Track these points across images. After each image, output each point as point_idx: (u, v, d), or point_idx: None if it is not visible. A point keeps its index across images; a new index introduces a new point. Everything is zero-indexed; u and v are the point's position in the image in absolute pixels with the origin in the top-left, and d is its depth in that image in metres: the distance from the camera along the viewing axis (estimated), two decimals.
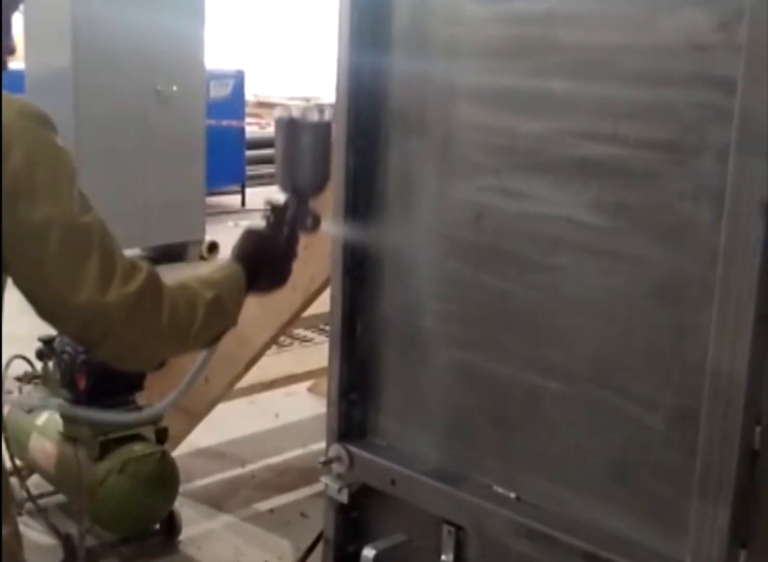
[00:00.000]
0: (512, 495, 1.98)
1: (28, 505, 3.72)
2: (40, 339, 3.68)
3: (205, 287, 1.73)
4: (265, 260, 1.89)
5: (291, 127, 1.94)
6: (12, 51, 1.70)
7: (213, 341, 1.82)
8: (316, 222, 1.99)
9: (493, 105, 1.94)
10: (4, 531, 1.62)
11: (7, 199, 1.46)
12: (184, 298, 1.68)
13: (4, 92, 1.52)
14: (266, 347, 3.71)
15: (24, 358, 3.76)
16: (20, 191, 1.47)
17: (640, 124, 1.71)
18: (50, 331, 3.66)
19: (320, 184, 1.98)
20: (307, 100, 12.54)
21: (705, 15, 1.60)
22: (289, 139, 1.94)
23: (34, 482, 3.82)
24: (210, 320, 1.72)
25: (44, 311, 1.57)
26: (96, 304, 1.53)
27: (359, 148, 2.15)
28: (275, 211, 1.95)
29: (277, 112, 1.96)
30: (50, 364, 3.77)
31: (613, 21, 1.73)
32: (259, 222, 1.96)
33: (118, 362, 1.66)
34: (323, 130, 1.96)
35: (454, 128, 2.00)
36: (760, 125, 1.50)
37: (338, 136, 2.17)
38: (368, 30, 2.10)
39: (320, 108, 1.98)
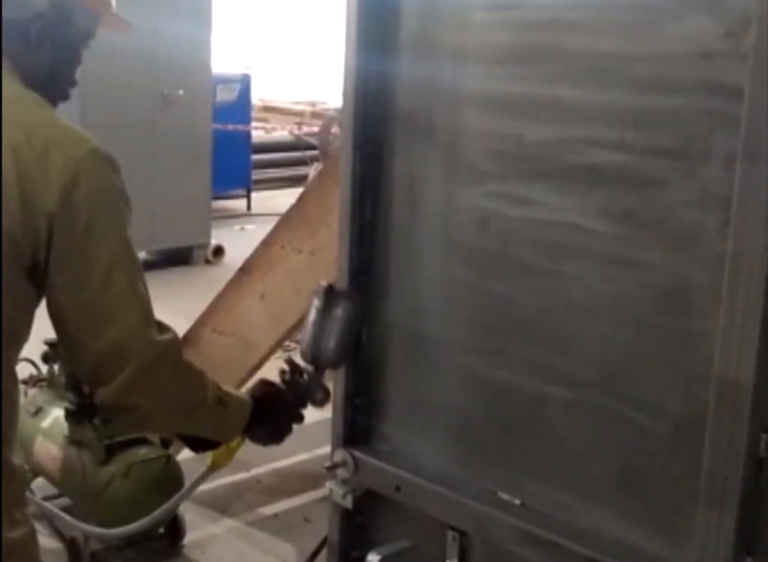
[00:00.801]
0: (517, 501, 1.97)
1: (33, 508, 3.72)
2: (46, 342, 3.68)
3: (217, 387, 1.78)
4: (271, 411, 1.93)
5: (330, 295, 1.99)
6: (75, 84, 1.80)
7: (200, 442, 1.86)
8: (325, 398, 2.04)
9: (499, 111, 1.94)
10: (22, 531, 1.64)
11: (67, 228, 1.53)
12: (199, 376, 1.73)
13: (74, 126, 1.62)
14: (271, 351, 3.72)
15: (30, 361, 3.77)
16: (79, 225, 1.53)
17: (646, 131, 1.71)
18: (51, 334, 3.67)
19: (340, 361, 2.05)
20: (313, 104, 12.56)
21: (712, 23, 1.60)
22: (326, 307, 1.99)
23: (39, 484, 3.83)
24: (212, 414, 1.76)
25: (69, 341, 1.61)
26: (124, 342, 1.57)
27: (365, 153, 2.15)
28: (292, 372, 2.00)
29: (317, 287, 2.02)
30: (56, 367, 3.78)
31: (620, 28, 1.73)
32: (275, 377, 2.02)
33: (114, 410, 1.67)
34: (360, 307, 2.02)
35: (461, 134, 2.01)
36: (766, 133, 1.50)
37: (344, 142, 2.17)
38: (375, 35, 2.11)
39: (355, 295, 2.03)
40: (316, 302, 1.99)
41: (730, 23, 1.58)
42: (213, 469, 2.38)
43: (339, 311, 1.98)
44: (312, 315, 2.00)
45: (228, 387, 1.86)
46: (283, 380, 2.00)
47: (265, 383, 1.98)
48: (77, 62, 1.80)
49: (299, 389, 1.99)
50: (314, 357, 2.00)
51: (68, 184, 1.53)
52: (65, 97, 1.78)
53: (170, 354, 1.64)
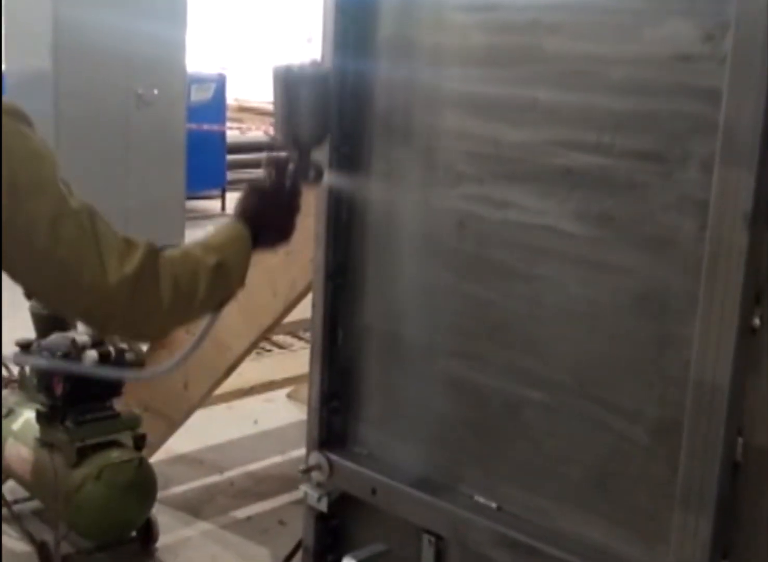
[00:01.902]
0: (493, 505, 1.97)
1: (3, 511, 3.68)
2: (18, 343, 3.64)
3: (208, 252, 1.71)
4: (268, 216, 1.85)
5: (289, 78, 1.90)
6: None
7: (220, 305, 1.80)
8: (319, 174, 1.95)
9: (477, 113, 1.93)
10: None
11: None
12: (185, 269, 1.67)
13: None
14: (246, 353, 3.69)
15: (0, 362, 3.73)
16: (3, 190, 1.46)
17: (624, 134, 1.71)
18: (28, 335, 3.64)
19: (321, 135, 1.94)
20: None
21: (690, 26, 1.60)
22: (288, 90, 1.90)
23: (9, 487, 3.79)
24: (214, 287, 1.70)
25: (46, 300, 1.61)
26: (96, 288, 1.53)
27: (343, 154, 2.14)
28: (277, 165, 1.90)
29: (274, 67, 1.92)
30: (27, 368, 3.74)
31: (599, 31, 1.73)
32: (260, 178, 1.92)
33: (130, 338, 1.69)
34: (322, 80, 1.92)
35: (438, 136, 2.00)
36: (744, 137, 1.50)
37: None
38: (353, 36, 2.10)
39: (317, 61, 1.93)
40: (277, 89, 1.90)
41: (709, 27, 1.58)
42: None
43: (304, 90, 1.89)
44: (279, 101, 1.90)
45: (218, 232, 1.79)
46: (269, 177, 1.91)
47: (251, 191, 1.89)
48: None
49: (289, 176, 1.90)
50: (294, 139, 1.91)
51: None
52: None
53: (146, 275, 1.58)
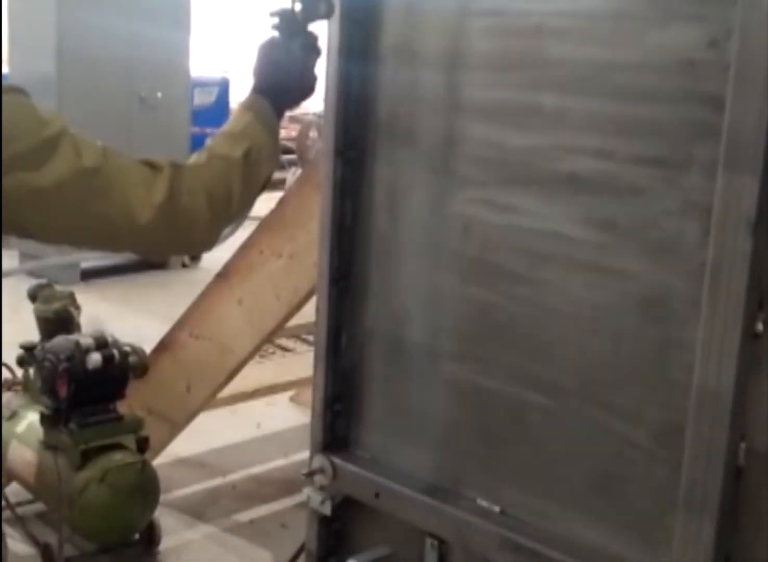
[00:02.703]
0: (496, 509, 1.97)
1: (6, 513, 3.68)
2: (22, 346, 3.65)
3: (234, 144, 1.68)
4: (288, 71, 1.79)
5: None
6: None
7: (262, 189, 1.77)
8: (330, 6, 1.85)
9: (481, 118, 1.94)
10: None
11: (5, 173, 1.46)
12: (215, 173, 1.65)
13: None
14: (249, 357, 3.70)
15: (4, 365, 3.74)
16: (12, 164, 1.46)
17: (628, 139, 1.71)
18: (32, 338, 3.65)
19: None
20: (273, 11, 12.51)
21: (694, 32, 1.61)
22: None
23: (13, 490, 3.79)
24: (248, 179, 1.69)
25: (93, 249, 1.67)
26: (134, 230, 1.55)
27: (347, 159, 2.15)
28: (283, 15, 1.82)
29: None
30: (31, 371, 3.75)
31: (603, 37, 1.73)
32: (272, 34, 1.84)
33: (182, 254, 1.70)
34: None
35: (443, 141, 2.00)
36: (747, 142, 1.51)
37: (326, 146, 2.17)
38: (358, 41, 2.10)
39: None
40: None
41: (713, 32, 1.59)
42: None
43: None
44: None
45: (239, 114, 1.75)
46: (280, 30, 1.82)
47: (264, 50, 1.82)
48: None
49: (300, 19, 1.81)
50: None
51: None
52: None
53: (177, 195, 1.58)
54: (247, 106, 1.76)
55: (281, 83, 1.78)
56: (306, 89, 1.83)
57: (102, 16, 6.96)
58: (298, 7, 1.81)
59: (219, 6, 15.64)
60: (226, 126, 1.74)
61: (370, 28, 2.09)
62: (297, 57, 1.81)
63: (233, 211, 1.70)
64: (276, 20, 1.81)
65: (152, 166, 1.59)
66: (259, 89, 1.77)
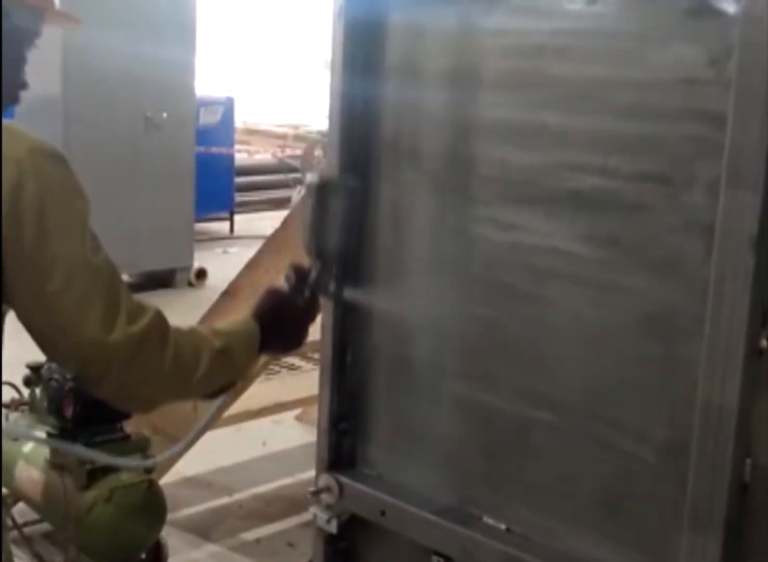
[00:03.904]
0: (502, 526, 1.97)
1: (13, 533, 3.68)
2: (28, 366, 3.66)
3: (215, 336, 1.72)
4: (282, 321, 1.87)
5: (323, 189, 1.93)
6: (25, 86, 1.71)
7: (217, 392, 1.80)
8: (336, 298, 1.99)
9: (485, 136, 1.95)
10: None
11: (17, 232, 1.48)
12: (190, 343, 1.67)
13: (17, 128, 1.55)
14: (255, 375, 3.70)
15: (11, 384, 3.74)
16: (30, 227, 1.48)
17: (630, 157, 1.72)
18: (38, 357, 3.65)
19: (347, 249, 1.98)
20: (296, 127, 12.59)
21: (695, 50, 1.62)
22: (321, 201, 1.92)
23: (19, 509, 3.79)
24: (215, 370, 1.70)
25: (47, 345, 1.58)
26: (99, 342, 1.53)
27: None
28: (298, 273, 1.93)
29: (309, 177, 1.95)
30: (37, 391, 3.75)
31: (605, 55, 1.75)
32: (281, 283, 1.95)
33: (117, 402, 1.65)
34: (356, 195, 1.95)
35: (447, 159, 2.02)
36: (749, 159, 1.52)
37: (330, 166, 2.18)
38: (361, 60, 2.12)
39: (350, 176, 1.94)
40: (311, 201, 1.92)
41: (713, 51, 1.60)
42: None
43: (335, 204, 1.91)
44: (309, 214, 1.92)
45: (229, 323, 1.80)
46: (290, 285, 1.92)
47: (270, 293, 1.90)
48: (21, 62, 1.70)
49: (308, 286, 1.91)
50: (320, 250, 1.93)
51: (11, 189, 1.48)
52: (13, 99, 1.70)
53: (151, 338, 1.58)
54: (242, 321, 1.82)
55: (274, 328, 1.84)
56: (290, 344, 1.93)
57: (107, 37, 7.00)
58: (313, 276, 1.92)
59: (224, 25, 15.72)
60: (217, 325, 1.80)
61: (375, 47, 2.10)
62: (295, 314, 1.90)
63: (188, 387, 1.70)
64: (291, 273, 1.92)
65: (141, 305, 1.61)
66: (256, 318, 1.83)
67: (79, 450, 2.78)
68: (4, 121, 1.57)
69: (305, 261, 1.95)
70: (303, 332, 1.93)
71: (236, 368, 1.77)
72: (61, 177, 1.56)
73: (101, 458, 2.67)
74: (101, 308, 1.53)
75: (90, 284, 1.53)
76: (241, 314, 1.85)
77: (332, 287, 1.97)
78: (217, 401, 1.95)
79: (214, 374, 1.71)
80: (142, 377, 1.60)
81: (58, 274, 1.50)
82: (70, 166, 1.59)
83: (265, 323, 1.81)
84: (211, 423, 1.94)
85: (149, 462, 2.99)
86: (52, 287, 1.50)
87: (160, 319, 1.62)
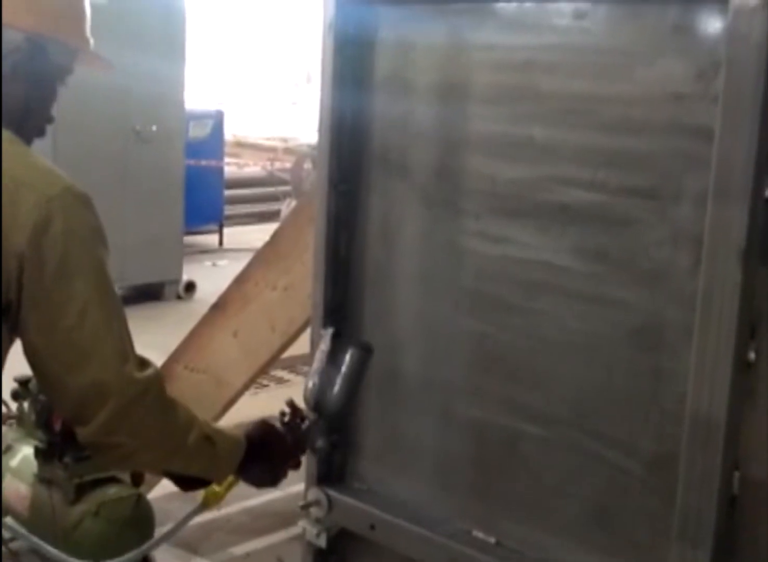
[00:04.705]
0: (492, 540, 1.97)
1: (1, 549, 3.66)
2: (16, 380, 3.64)
3: (206, 424, 1.73)
4: (267, 453, 1.87)
5: (335, 342, 1.94)
6: (51, 120, 1.75)
7: (187, 480, 1.80)
8: (327, 446, 1.97)
9: (474, 150, 1.96)
10: None
11: (40, 267, 1.50)
12: (184, 413, 1.68)
13: (54, 167, 1.59)
14: (244, 388, 3.69)
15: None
16: (52, 263, 1.51)
17: (619, 171, 1.73)
18: (26, 371, 3.64)
19: (344, 411, 1.97)
20: (285, 140, 12.60)
21: (682, 66, 1.63)
22: (330, 355, 1.93)
23: (6, 524, 3.76)
24: (198, 452, 1.70)
25: (47, 380, 1.59)
26: (102, 381, 1.54)
27: (341, 190, 2.16)
28: (293, 414, 1.94)
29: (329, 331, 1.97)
30: (25, 405, 3.73)
31: (593, 70, 1.76)
32: (275, 417, 1.95)
33: (96, 447, 1.63)
34: (368, 359, 1.94)
35: (436, 173, 2.02)
36: (736, 173, 1.53)
37: (320, 179, 2.18)
38: (351, 74, 2.13)
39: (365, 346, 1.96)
40: (323, 347, 1.95)
41: (700, 66, 1.61)
42: (203, 508, 2.30)
43: (346, 359, 1.92)
44: (318, 361, 1.95)
45: (222, 427, 1.82)
46: (282, 422, 1.94)
47: (263, 424, 1.92)
48: (52, 98, 1.76)
49: (299, 434, 1.93)
50: (317, 404, 1.95)
51: (39, 224, 1.51)
52: (40, 133, 1.75)
53: (151, 391, 1.61)
54: (232, 433, 1.82)
55: (258, 456, 1.84)
56: (266, 480, 1.91)
57: (97, 50, 7.00)
58: (306, 427, 1.92)
59: (213, 39, 15.74)
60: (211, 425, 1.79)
61: (364, 62, 2.11)
62: (280, 457, 1.90)
63: (170, 455, 1.70)
64: (288, 411, 1.93)
65: (144, 359, 1.62)
66: (247, 439, 1.83)
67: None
68: (42, 158, 1.62)
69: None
70: (283, 471, 1.94)
71: (214, 465, 1.77)
72: (89, 221, 1.60)
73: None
74: (110, 349, 1.56)
75: (101, 324, 1.55)
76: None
77: (319, 443, 1.96)
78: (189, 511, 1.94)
79: (196, 457, 1.72)
80: (130, 428, 1.60)
81: (73, 311, 1.53)
82: (96, 210, 1.62)
83: (252, 449, 1.83)
84: (180, 529, 1.96)
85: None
86: (65, 322, 1.52)
87: (161, 378, 1.64)
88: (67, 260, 1.53)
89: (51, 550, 2.52)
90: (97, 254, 1.59)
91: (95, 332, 1.54)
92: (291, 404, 1.95)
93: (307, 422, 1.93)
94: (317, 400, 1.94)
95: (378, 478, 2.19)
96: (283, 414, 1.94)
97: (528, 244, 1.87)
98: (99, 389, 1.54)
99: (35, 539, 2.50)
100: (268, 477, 1.90)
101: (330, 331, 1.96)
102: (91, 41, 1.78)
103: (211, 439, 1.71)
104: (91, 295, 1.55)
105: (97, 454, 1.69)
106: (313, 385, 1.94)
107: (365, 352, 1.92)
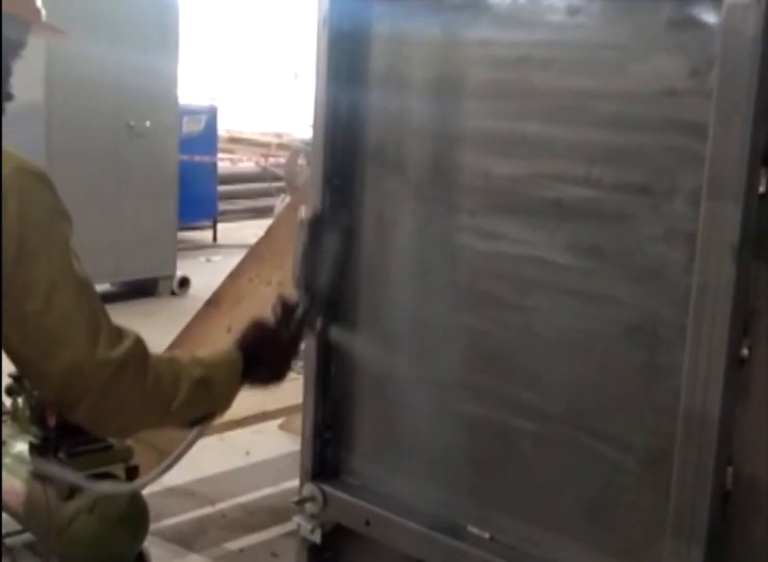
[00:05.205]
0: (486, 535, 1.97)
1: None
2: (10, 375, 3.63)
3: (196, 365, 1.71)
4: (265, 353, 1.86)
5: (316, 224, 1.93)
6: (10, 98, 1.69)
7: (197, 421, 1.79)
8: (325, 325, 1.99)
9: (468, 146, 1.96)
10: None
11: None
12: (169, 371, 1.66)
13: (5, 147, 1.52)
14: None
15: None
16: (9, 247, 1.46)
17: (613, 167, 1.73)
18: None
19: (336, 287, 1.98)
20: (279, 136, 12.59)
21: (676, 62, 1.63)
22: (313, 237, 1.93)
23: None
24: (193, 399, 1.69)
25: (25, 369, 1.57)
26: (77, 364, 1.52)
27: (335, 186, 2.16)
28: (285, 307, 1.93)
29: (303, 212, 1.96)
30: (20, 400, 3.73)
31: (587, 67, 1.76)
32: (268, 316, 1.94)
33: (93, 427, 1.63)
34: (347, 232, 1.96)
35: (430, 169, 2.02)
36: (730, 169, 1.53)
37: (314, 175, 2.18)
38: (345, 70, 2.12)
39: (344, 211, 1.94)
40: (303, 236, 1.92)
41: (694, 62, 1.61)
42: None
43: (327, 240, 1.91)
44: (300, 249, 1.93)
45: (211, 353, 1.79)
46: (276, 317, 1.92)
47: (253, 326, 1.89)
48: (7, 74, 1.68)
49: (293, 323, 1.91)
50: (309, 286, 1.93)
51: None
52: (1, 113, 1.68)
53: (129, 365, 1.57)
54: (225, 350, 1.80)
55: (257, 360, 1.83)
56: (273, 377, 1.90)
57: (90, 45, 6.99)
58: (300, 311, 1.92)
59: (207, 34, 15.71)
60: (199, 352, 1.78)
61: (359, 57, 2.11)
62: (281, 351, 1.90)
63: (165, 415, 1.69)
64: (278, 306, 1.92)
65: (120, 330, 1.59)
66: (240, 348, 1.82)
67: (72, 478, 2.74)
68: None
69: (292, 293, 1.95)
70: (286, 365, 1.93)
71: (216, 398, 1.76)
72: (44, 199, 1.54)
73: (83, 483, 2.63)
74: (81, 331, 1.52)
75: (70, 306, 1.52)
76: (225, 342, 1.84)
77: (319, 324, 1.96)
78: (194, 431, 1.93)
79: (193, 404, 1.70)
80: (118, 404, 1.58)
81: (38, 295, 1.49)
82: (54, 187, 1.57)
83: (249, 354, 1.81)
84: (187, 451, 1.94)
85: (126, 487, 2.96)
86: (32, 307, 1.49)
87: (139, 346, 1.61)
88: (25, 243, 1.48)
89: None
90: (57, 232, 1.53)
91: (64, 315, 1.51)
92: (281, 297, 1.93)
93: (301, 308, 1.91)
94: (308, 284, 1.92)
95: (373, 474, 2.19)
96: (275, 309, 1.92)
97: (522, 241, 1.87)
98: (76, 372, 1.52)
99: None
100: (273, 377, 1.89)
101: (305, 219, 1.92)
102: (43, 12, 1.73)
103: (204, 380, 1.69)
104: (55, 275, 1.51)
105: (95, 432, 1.69)
106: (301, 270, 1.92)
107: (342, 228, 1.92)
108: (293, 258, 1.96)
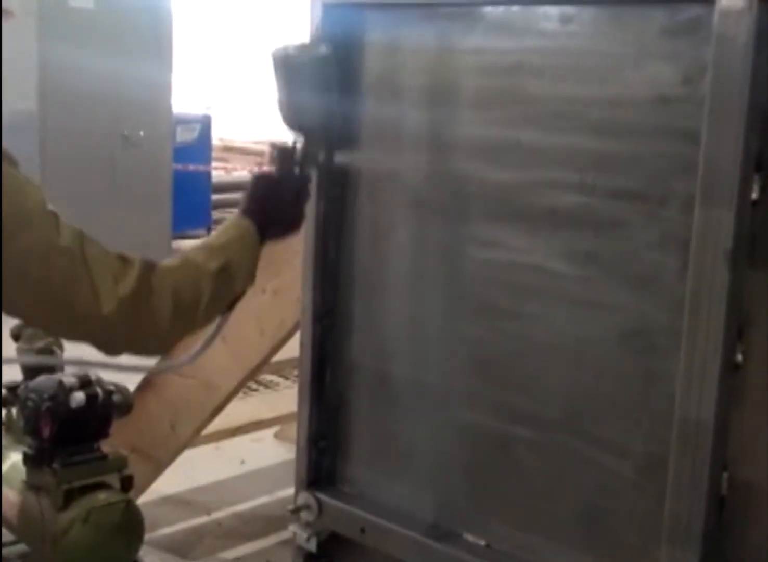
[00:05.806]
0: (482, 543, 1.97)
1: None
2: (4, 385, 3.63)
3: (210, 256, 1.68)
4: (276, 207, 1.81)
5: (288, 62, 1.84)
6: None
7: (229, 306, 1.77)
8: (327, 157, 1.89)
9: (463, 154, 1.96)
10: None
11: None
12: (186, 279, 1.64)
13: None
14: (234, 393, 3.69)
15: None
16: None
17: (607, 174, 1.74)
18: (13, 377, 3.62)
19: (326, 118, 1.89)
20: (273, 144, 12.58)
21: (669, 69, 1.64)
22: (289, 75, 1.84)
23: None
24: (218, 293, 1.68)
25: (46, 329, 1.61)
26: (92, 317, 1.53)
27: (331, 195, 2.16)
28: (283, 153, 1.86)
29: (273, 51, 1.85)
30: (14, 411, 3.72)
31: (580, 74, 1.77)
32: (267, 167, 1.89)
33: (135, 354, 1.65)
34: (323, 62, 1.86)
35: (425, 176, 2.03)
36: (723, 176, 1.54)
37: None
38: (339, 78, 2.12)
39: (316, 42, 1.83)
40: (278, 73, 1.83)
41: (687, 69, 1.62)
42: None
43: (305, 73, 1.84)
44: (279, 87, 1.85)
45: (220, 231, 1.76)
46: (276, 166, 1.87)
47: (258, 182, 1.85)
48: None
49: (297, 162, 1.86)
50: (299, 124, 1.87)
51: None
52: None
53: (142, 294, 1.56)
54: (233, 224, 1.78)
55: (269, 215, 1.80)
56: (290, 227, 1.87)
57: (84, 54, 7.00)
58: (300, 152, 1.85)
59: (200, 43, 15.73)
60: (209, 238, 1.75)
61: (351, 65, 2.11)
62: (287, 195, 1.85)
63: (197, 320, 1.69)
64: (275, 154, 1.85)
65: (124, 259, 1.58)
66: (248, 213, 1.79)
67: None
68: None
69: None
70: (299, 212, 1.87)
71: (240, 278, 1.73)
72: (8, 173, 1.52)
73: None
74: (84, 285, 1.52)
75: (65, 266, 1.51)
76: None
77: (321, 157, 1.88)
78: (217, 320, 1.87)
79: (219, 296, 1.69)
80: (147, 331, 1.60)
81: (34, 264, 1.49)
82: (15, 159, 1.55)
83: (259, 214, 1.77)
84: (218, 334, 1.94)
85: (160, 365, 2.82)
86: (32, 278, 1.49)
87: (148, 268, 1.59)
88: (5, 218, 1.47)
89: None
90: (30, 198, 1.52)
91: (67, 275, 1.51)
92: (275, 146, 1.87)
93: (299, 149, 1.85)
94: (298, 121, 1.86)
95: (368, 482, 2.19)
96: (273, 160, 1.87)
97: (517, 248, 1.88)
98: (95, 323, 1.53)
99: None
100: (290, 225, 1.86)
101: (276, 53, 1.84)
102: None
103: (222, 268, 1.67)
104: (44, 241, 1.50)
105: (137, 355, 1.71)
106: (287, 110, 1.85)
107: (322, 56, 1.84)
108: (278, 101, 1.86)
